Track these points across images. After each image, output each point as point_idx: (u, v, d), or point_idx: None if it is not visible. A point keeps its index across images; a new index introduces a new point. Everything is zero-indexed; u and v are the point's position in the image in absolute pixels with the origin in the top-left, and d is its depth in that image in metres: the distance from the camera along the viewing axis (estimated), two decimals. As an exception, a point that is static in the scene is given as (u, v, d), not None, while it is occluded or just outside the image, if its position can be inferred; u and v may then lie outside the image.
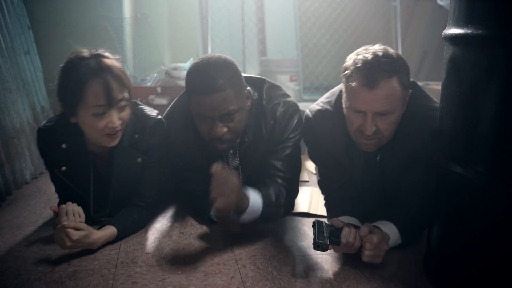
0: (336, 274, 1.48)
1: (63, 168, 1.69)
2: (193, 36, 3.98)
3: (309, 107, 1.81)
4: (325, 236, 1.45)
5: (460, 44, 1.31)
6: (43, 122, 1.73)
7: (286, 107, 1.78)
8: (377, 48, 1.54)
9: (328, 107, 1.73)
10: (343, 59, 1.64)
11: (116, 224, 1.67)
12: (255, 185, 1.67)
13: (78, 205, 1.63)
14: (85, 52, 1.57)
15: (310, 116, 1.77)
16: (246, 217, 1.58)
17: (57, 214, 1.57)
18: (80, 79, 1.51)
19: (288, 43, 4.55)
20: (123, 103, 1.59)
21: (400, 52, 4.62)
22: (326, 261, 1.56)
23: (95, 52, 1.58)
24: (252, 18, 4.51)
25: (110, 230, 1.64)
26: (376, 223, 1.57)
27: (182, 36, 3.89)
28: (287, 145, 1.77)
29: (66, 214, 1.55)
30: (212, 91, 1.56)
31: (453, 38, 1.34)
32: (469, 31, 1.26)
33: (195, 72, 1.62)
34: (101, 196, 1.77)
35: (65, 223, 1.49)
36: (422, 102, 1.65)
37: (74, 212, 1.57)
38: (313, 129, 1.76)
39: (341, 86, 1.70)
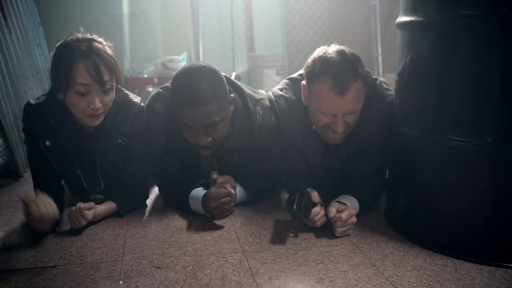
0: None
1: (47, 142, 1.72)
2: (185, 34, 4.23)
3: (273, 91, 1.90)
4: (301, 207, 1.56)
5: (407, 29, 1.64)
6: (33, 99, 1.76)
7: (271, 122, 1.84)
8: (336, 50, 1.64)
9: (291, 95, 1.82)
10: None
11: (115, 199, 1.78)
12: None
13: (53, 186, 1.73)
14: (80, 35, 1.64)
15: (274, 100, 1.85)
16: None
17: (25, 203, 1.51)
18: (70, 57, 1.57)
19: (274, 39, 4.84)
20: (107, 86, 1.63)
21: (380, 47, 4.97)
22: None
23: (89, 37, 1.65)
24: (241, 17, 4.80)
25: (110, 205, 1.76)
26: (340, 198, 1.70)
27: (175, 33, 4.13)
28: (269, 160, 1.90)
29: (37, 205, 1.51)
30: (196, 105, 1.61)
31: (402, 24, 1.66)
32: (413, 18, 1.59)
33: (180, 83, 1.66)
34: (91, 173, 1.82)
35: (81, 205, 1.62)
36: (375, 91, 1.78)
37: (45, 205, 1.53)
38: (276, 112, 1.84)
39: (297, 75, 1.86)
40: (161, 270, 1.40)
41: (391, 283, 1.32)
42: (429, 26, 1.54)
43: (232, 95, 1.75)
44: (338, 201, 1.67)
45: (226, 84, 1.74)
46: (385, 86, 1.85)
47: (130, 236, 1.63)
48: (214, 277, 1.36)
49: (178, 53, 3.93)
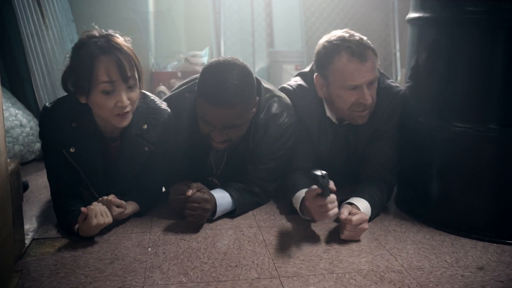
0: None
1: (72, 149, 1.65)
2: (207, 31, 4.40)
3: (288, 83, 1.93)
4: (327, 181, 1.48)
5: (417, 24, 1.77)
6: (48, 103, 1.71)
7: (283, 119, 1.76)
8: (342, 31, 1.74)
9: (305, 84, 1.89)
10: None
11: (137, 200, 1.75)
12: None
13: (73, 190, 1.69)
14: (96, 32, 1.57)
15: (291, 89, 1.89)
16: (217, 215, 1.72)
17: (85, 215, 1.52)
18: (90, 55, 1.50)
19: (294, 36, 4.96)
20: (132, 82, 1.56)
21: (398, 44, 5.06)
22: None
23: (105, 32, 1.58)
24: (261, 13, 4.93)
25: (134, 206, 1.73)
26: (351, 200, 1.66)
27: (197, 30, 4.29)
28: (274, 157, 1.78)
29: (95, 216, 1.52)
30: (221, 105, 1.56)
31: (412, 20, 1.79)
32: (421, 14, 1.72)
33: (209, 77, 1.60)
34: (109, 177, 1.76)
35: (111, 198, 1.57)
36: (386, 82, 1.85)
37: (102, 213, 1.54)
38: (292, 100, 1.84)
39: (307, 70, 1.92)
40: (184, 240, 1.57)
41: (390, 254, 1.47)
42: (436, 22, 1.67)
43: (257, 97, 1.71)
44: (350, 203, 1.64)
45: (255, 83, 1.68)
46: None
47: (157, 213, 1.81)
48: (232, 246, 1.52)
49: (200, 49, 4.10)
